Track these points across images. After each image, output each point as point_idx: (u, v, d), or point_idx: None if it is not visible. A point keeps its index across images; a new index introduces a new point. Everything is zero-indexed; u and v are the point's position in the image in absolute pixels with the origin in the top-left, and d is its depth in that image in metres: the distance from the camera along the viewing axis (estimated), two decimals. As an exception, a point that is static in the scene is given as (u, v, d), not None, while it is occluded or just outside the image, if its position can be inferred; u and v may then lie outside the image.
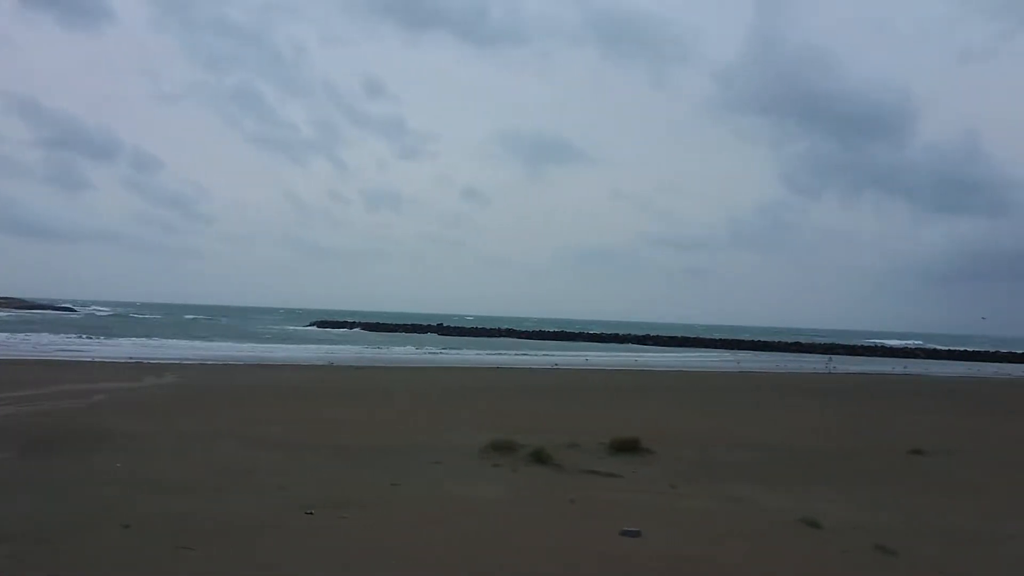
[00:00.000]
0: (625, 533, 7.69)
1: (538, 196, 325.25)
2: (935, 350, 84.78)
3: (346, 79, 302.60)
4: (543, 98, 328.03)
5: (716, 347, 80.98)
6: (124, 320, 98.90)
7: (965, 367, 59.63)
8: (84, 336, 55.34)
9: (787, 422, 19.19)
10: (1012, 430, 19.35)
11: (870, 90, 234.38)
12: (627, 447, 12.77)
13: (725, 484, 10.76)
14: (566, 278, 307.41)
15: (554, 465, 11.46)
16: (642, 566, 6.79)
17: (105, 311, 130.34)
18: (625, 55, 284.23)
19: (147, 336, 60.20)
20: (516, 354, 56.21)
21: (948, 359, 72.64)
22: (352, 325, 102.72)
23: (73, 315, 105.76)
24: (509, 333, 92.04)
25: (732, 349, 78.30)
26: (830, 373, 45.39)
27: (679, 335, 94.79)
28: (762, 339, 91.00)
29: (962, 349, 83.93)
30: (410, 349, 58.93)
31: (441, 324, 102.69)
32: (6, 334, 53.04)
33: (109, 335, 58.33)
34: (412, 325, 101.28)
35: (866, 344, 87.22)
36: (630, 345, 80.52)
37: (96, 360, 34.08)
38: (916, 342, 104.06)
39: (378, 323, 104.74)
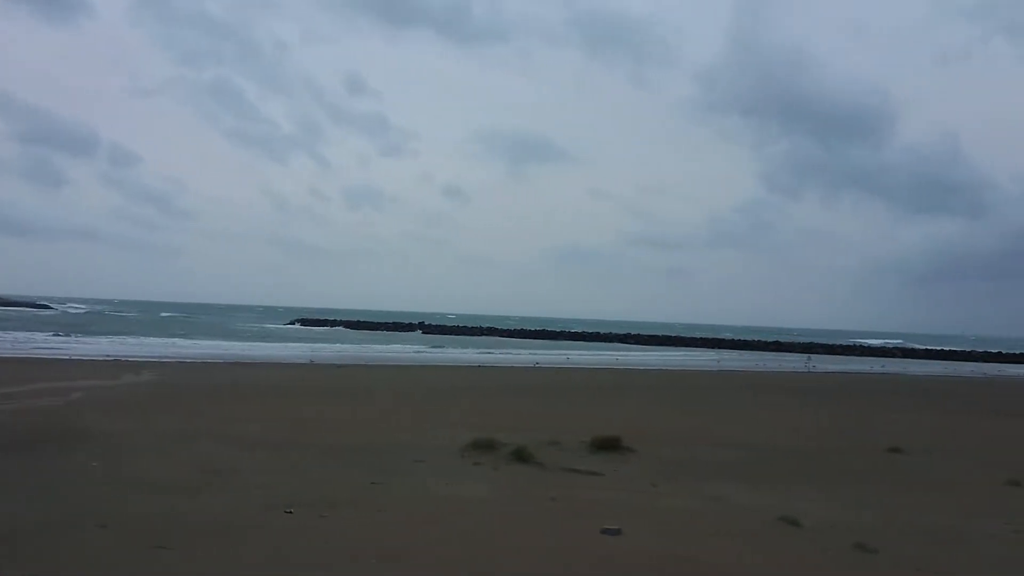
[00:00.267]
0: (606, 531, 7.69)
1: (520, 195, 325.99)
2: (913, 349, 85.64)
3: (327, 76, 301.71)
4: (525, 97, 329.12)
5: (697, 346, 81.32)
6: (100, 317, 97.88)
7: (943, 366, 60.22)
8: (60, 334, 54.65)
9: (767, 421, 19.30)
10: (989, 429, 19.56)
11: (850, 91, 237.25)
12: (608, 446, 12.78)
13: (706, 483, 10.79)
14: (548, 277, 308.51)
15: (535, 463, 11.45)
16: (623, 564, 6.78)
17: (81, 308, 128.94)
18: (608, 55, 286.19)
19: (123, 334, 59.59)
20: (498, 353, 56.20)
21: (926, 358, 73.36)
22: (335, 323, 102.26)
23: (49, 312, 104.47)
24: (491, 332, 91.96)
25: (713, 348, 78.67)
26: (809, 372, 45.74)
27: (660, 334, 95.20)
28: (742, 338, 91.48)
29: (939, 349, 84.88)
30: (392, 347, 58.75)
31: (423, 323, 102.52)
32: (-20, 332, 52.28)
33: (85, 332, 57.69)
34: (395, 323, 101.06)
35: (845, 344, 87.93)
36: (611, 344, 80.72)
37: (74, 358, 33.68)
38: (897, 342, 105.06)
39: (360, 321, 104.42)
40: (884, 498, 10.33)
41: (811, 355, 68.93)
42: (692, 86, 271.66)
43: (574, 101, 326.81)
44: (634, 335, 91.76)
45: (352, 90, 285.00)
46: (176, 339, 56.36)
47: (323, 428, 14.86)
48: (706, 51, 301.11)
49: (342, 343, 62.01)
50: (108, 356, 35.31)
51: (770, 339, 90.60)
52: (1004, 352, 78.50)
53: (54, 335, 53.37)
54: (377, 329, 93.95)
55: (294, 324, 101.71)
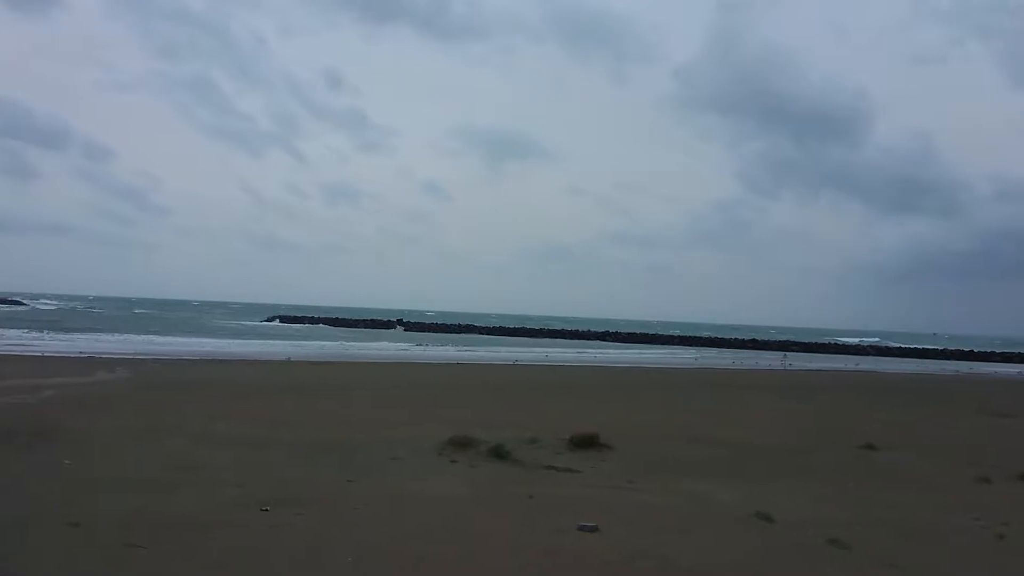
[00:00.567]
0: (582, 528, 7.71)
1: (499, 192, 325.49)
2: (887, 347, 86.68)
3: (306, 71, 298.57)
4: (504, 94, 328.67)
5: (675, 344, 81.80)
6: (72, 314, 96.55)
7: (916, 364, 60.97)
8: (32, 330, 53.85)
9: (744, 418, 19.43)
10: (960, 426, 19.83)
11: (826, 91, 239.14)
12: (586, 443, 12.81)
13: (682, 479, 10.86)
14: (526, 274, 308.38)
15: (513, 461, 11.47)
16: (599, 560, 6.81)
17: (52, 304, 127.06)
18: (587, 52, 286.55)
19: (96, 330, 58.79)
20: (477, 350, 56.17)
21: (899, 356, 74.28)
22: (315, 320, 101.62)
23: (20, 308, 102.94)
24: (470, 329, 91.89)
25: (691, 346, 79.11)
26: (786, 370, 46.14)
27: (638, 332, 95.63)
28: (720, 336, 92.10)
29: (912, 347, 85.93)
30: (372, 344, 58.52)
31: (401, 320, 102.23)
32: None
33: (57, 329, 56.94)
34: (374, 320, 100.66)
35: (821, 342, 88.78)
36: (590, 342, 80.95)
37: (46, 354, 33.22)
38: (873, 340, 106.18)
39: (338, 318, 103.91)
40: (857, 494, 10.45)
41: (787, 353, 69.55)
42: (671, 84, 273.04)
43: (553, 98, 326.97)
44: (612, 333, 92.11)
45: (331, 86, 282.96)
46: (151, 336, 55.76)
47: (299, 425, 14.78)
48: (685, 49, 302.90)
49: (322, 340, 61.69)
50: (81, 353, 34.85)
51: (747, 337, 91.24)
52: (975, 351, 79.61)
53: (26, 331, 52.61)
54: (357, 326, 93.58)
55: (274, 321, 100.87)
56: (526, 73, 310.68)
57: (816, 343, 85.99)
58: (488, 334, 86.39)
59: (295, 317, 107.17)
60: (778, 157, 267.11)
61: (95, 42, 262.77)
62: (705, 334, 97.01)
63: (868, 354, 76.02)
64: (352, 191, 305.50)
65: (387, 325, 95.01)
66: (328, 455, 11.68)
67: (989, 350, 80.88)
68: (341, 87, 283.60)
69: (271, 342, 55.31)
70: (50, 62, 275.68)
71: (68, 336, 50.40)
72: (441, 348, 57.12)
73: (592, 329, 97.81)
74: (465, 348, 58.34)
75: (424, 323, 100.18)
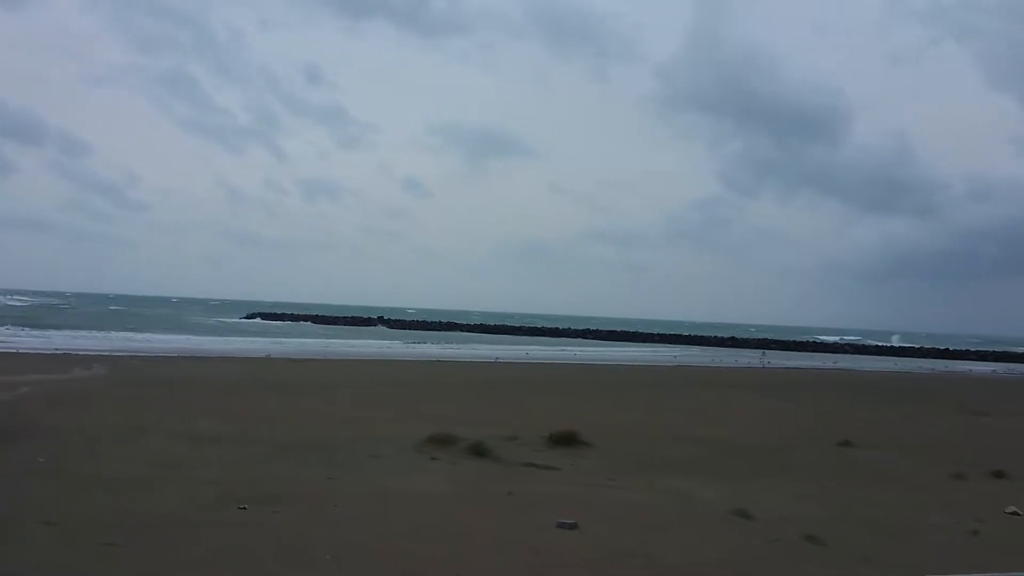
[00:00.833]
0: (561, 525, 7.73)
1: (480, 189, 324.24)
2: (864, 346, 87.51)
3: (284, 66, 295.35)
4: (485, 90, 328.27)
5: (654, 342, 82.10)
6: (46, 310, 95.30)
7: (894, 362, 61.62)
8: (6, 326, 53.14)
9: (725, 416, 19.54)
10: (936, 424, 20.06)
11: (806, 91, 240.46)
12: (566, 440, 12.84)
13: (661, 477, 10.91)
14: (508, 272, 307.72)
15: (493, 458, 11.47)
16: (578, 557, 6.83)
17: (25, 300, 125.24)
18: (568, 49, 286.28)
19: (70, 327, 58.04)
20: (459, 347, 56.12)
21: (877, 355, 75.03)
22: (296, 318, 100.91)
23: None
24: (451, 327, 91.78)
25: (670, 344, 79.48)
26: (764, 368, 46.46)
27: (619, 330, 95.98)
28: (700, 334, 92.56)
29: (890, 345, 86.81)
30: (353, 342, 58.28)
31: (382, 317, 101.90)
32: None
33: (31, 325, 56.26)
34: (355, 318, 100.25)
35: (799, 340, 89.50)
36: (570, 339, 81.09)
37: (21, 351, 32.82)
38: (854, 338, 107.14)
39: (319, 316, 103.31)
40: (834, 491, 10.55)
41: (766, 351, 70.03)
42: (652, 83, 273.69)
43: (534, 95, 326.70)
44: (593, 331, 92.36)
45: (310, 81, 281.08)
46: (129, 333, 55.20)
47: (278, 423, 14.68)
48: (666, 48, 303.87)
49: (303, 337, 61.34)
50: (57, 349, 34.49)
51: (727, 335, 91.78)
52: (951, 349, 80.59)
53: (4, 327, 51.92)
54: (338, 323, 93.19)
55: (254, 318, 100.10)
56: (507, 70, 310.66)
57: (794, 341, 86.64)
58: (470, 332, 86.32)
59: (275, 314, 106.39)
60: (758, 156, 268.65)
61: (71, 35, 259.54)
62: (685, 332, 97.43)
63: (847, 352, 76.75)
64: (332, 187, 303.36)
65: (368, 323, 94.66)
66: (307, 453, 11.62)
67: (964, 348, 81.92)
68: (320, 82, 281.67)
69: (252, 339, 54.94)
70: (25, 55, 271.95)
71: (43, 333, 49.81)
72: (423, 346, 57.02)
73: (573, 327, 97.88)
74: (447, 346, 58.28)
75: (405, 320, 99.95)
